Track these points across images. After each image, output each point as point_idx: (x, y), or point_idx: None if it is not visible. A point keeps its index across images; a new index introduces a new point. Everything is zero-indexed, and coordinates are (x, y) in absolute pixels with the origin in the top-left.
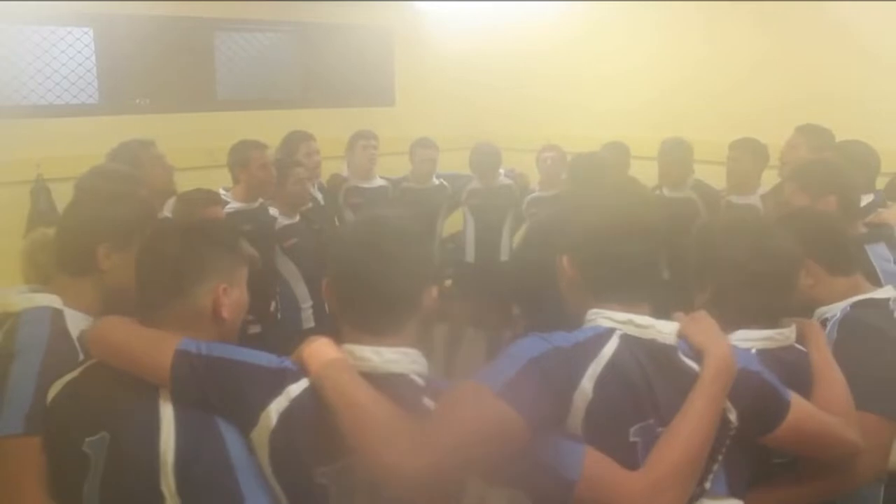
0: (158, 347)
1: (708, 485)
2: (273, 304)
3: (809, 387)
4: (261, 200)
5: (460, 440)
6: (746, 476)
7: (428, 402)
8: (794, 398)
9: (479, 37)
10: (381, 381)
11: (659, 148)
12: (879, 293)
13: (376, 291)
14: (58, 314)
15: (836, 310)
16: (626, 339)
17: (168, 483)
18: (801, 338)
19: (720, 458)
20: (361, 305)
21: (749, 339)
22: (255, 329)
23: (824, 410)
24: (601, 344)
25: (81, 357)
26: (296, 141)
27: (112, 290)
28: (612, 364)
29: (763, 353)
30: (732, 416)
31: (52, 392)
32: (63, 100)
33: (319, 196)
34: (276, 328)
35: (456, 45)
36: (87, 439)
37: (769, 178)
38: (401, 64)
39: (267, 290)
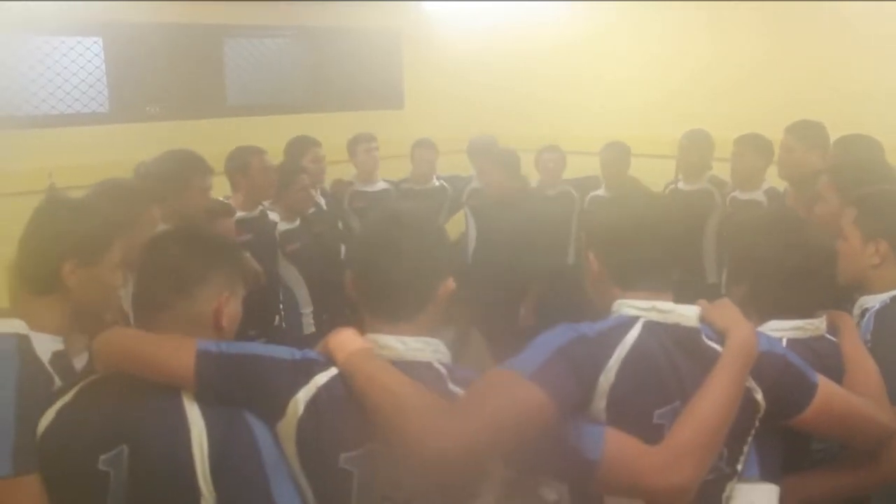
0: (178, 350)
1: (740, 467)
2: (277, 318)
3: (841, 376)
4: (261, 207)
5: (495, 421)
6: (779, 461)
7: (454, 388)
8: (822, 380)
9: (488, 38)
10: (405, 369)
11: (680, 139)
12: None
13: (393, 281)
14: (24, 340)
15: (876, 301)
16: (649, 325)
17: (206, 479)
18: (832, 329)
19: (749, 439)
20: (380, 294)
21: (780, 328)
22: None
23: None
24: (625, 331)
25: (57, 381)
26: (302, 146)
27: (80, 308)
28: (635, 350)
29: (794, 343)
30: (759, 397)
31: (45, 422)
32: (74, 109)
33: (322, 201)
34: (277, 334)
35: (465, 46)
36: (101, 457)
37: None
38: (409, 66)
39: (271, 304)
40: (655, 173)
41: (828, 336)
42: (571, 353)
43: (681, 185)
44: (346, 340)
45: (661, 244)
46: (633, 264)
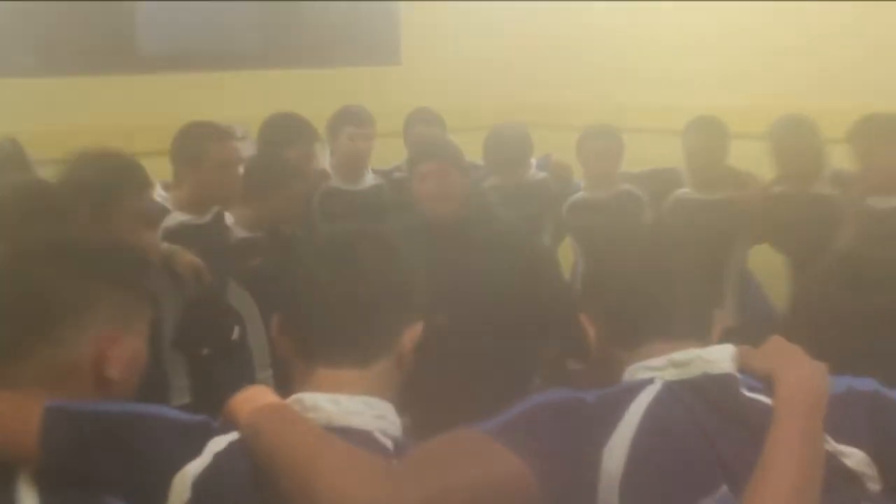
0: (18, 410)
1: None
2: (236, 331)
3: None
4: (216, 209)
5: (464, 487)
6: None
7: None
8: None
9: None
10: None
11: (770, 130)
12: None
13: (349, 305)
14: None
15: None
16: (669, 386)
17: None
18: None
19: None
20: (328, 324)
21: None
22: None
23: None
24: (634, 394)
25: None
26: (288, 133)
27: None
28: (649, 420)
29: None
30: (850, 463)
31: None
32: None
33: None
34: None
35: None
36: None
37: None
38: (409, 10)
39: (226, 322)
40: (756, 159)
41: None
42: (558, 410)
43: (786, 189)
44: (253, 396)
45: (669, 280)
46: (634, 314)
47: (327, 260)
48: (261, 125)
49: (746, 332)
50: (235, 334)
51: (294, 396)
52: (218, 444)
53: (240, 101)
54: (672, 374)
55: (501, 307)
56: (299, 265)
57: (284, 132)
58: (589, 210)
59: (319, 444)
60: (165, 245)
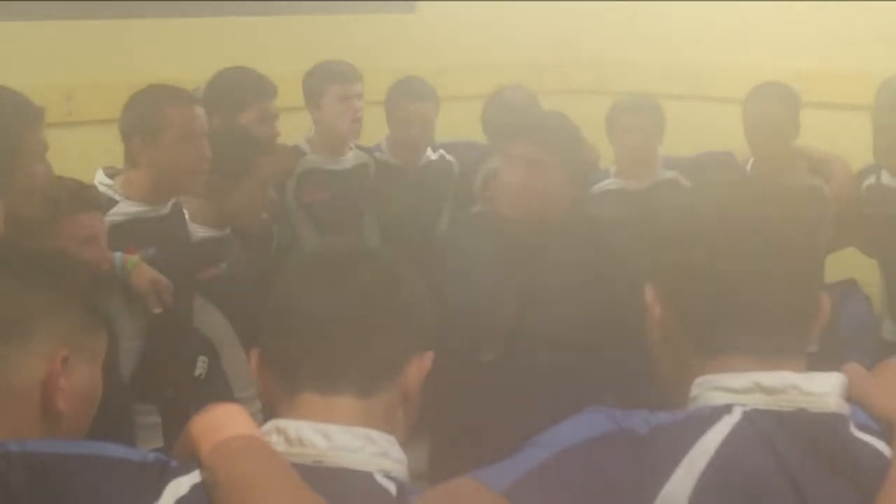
0: None
1: None
2: (201, 364)
3: None
4: (174, 200)
5: None
6: None
7: None
8: None
9: None
10: (326, 480)
11: (875, 96)
12: None
13: (337, 336)
14: None
15: None
16: (752, 418)
17: None
18: None
19: None
20: (312, 357)
21: None
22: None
23: None
24: (703, 428)
25: None
26: (237, 91)
27: None
28: (721, 463)
29: None
30: None
31: None
32: None
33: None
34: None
35: None
36: None
37: None
38: None
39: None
40: (853, 144)
41: None
42: (597, 455)
43: (882, 177)
44: (218, 422)
45: (781, 274)
46: (725, 311)
47: (317, 280)
48: (204, 91)
49: (834, 360)
50: (200, 369)
51: (273, 423)
52: (179, 487)
53: (213, 57)
54: (757, 401)
55: (573, 354)
56: (284, 287)
57: (232, 93)
58: (621, 204)
59: (283, 497)
60: (118, 255)
